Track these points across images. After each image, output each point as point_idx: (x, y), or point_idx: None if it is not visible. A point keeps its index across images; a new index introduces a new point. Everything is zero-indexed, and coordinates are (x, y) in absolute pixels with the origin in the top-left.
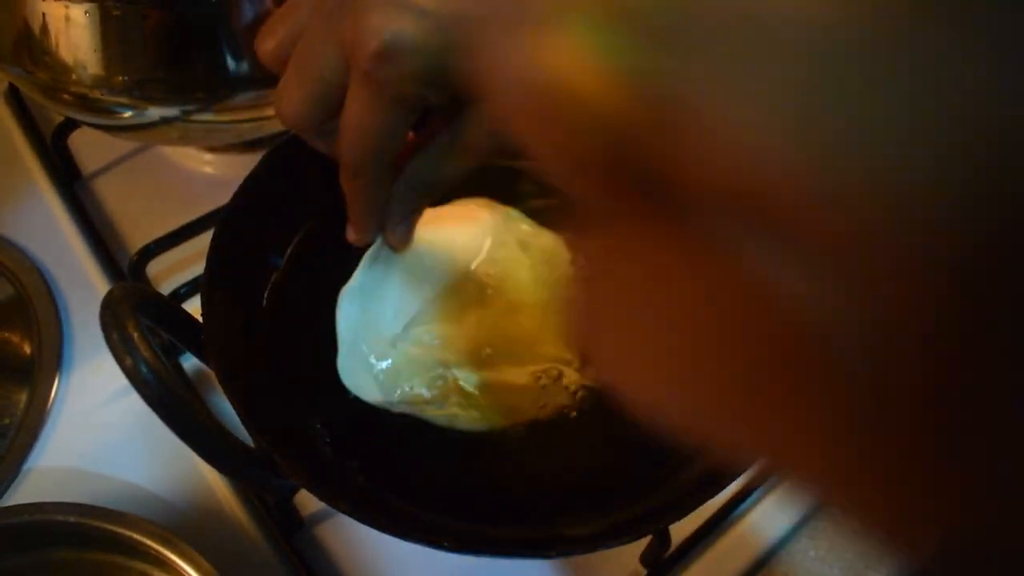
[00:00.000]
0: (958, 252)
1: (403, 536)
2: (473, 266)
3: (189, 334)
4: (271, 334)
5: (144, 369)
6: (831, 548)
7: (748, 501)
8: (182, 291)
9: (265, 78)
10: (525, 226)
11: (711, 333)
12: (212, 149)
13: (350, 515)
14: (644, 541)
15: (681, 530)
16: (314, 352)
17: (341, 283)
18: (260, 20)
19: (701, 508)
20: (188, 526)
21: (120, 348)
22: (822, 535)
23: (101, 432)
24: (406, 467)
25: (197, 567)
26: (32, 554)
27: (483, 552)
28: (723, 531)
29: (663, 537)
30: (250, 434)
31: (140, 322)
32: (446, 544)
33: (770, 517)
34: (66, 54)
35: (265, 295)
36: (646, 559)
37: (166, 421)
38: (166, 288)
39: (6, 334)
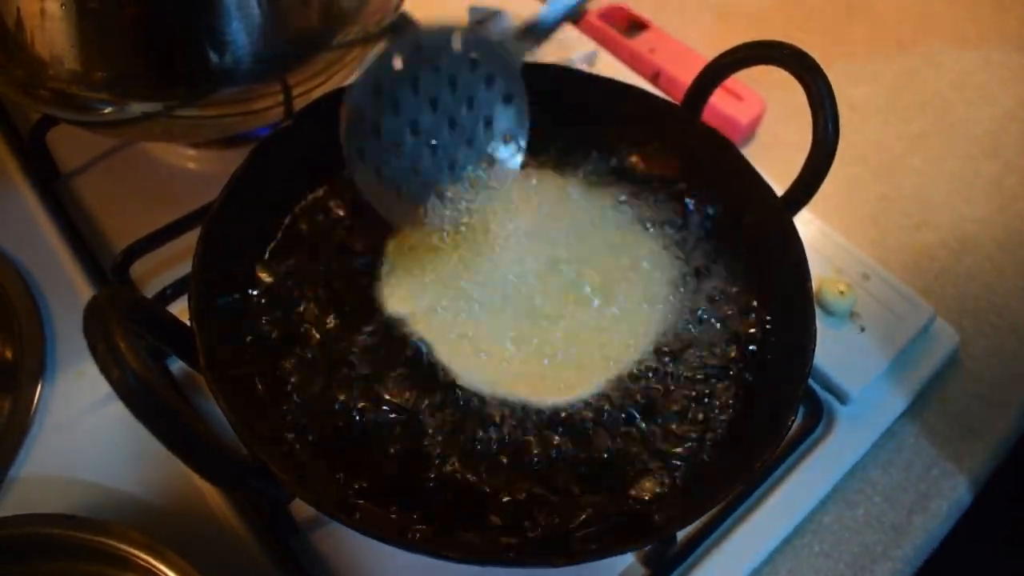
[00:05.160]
0: None
1: (406, 547)
2: None
3: (177, 338)
4: (262, 335)
5: (132, 381)
6: (836, 543)
7: (752, 498)
8: (168, 292)
9: (250, 71)
10: None
11: None
12: (195, 145)
13: (350, 526)
14: None
15: (686, 528)
16: (307, 353)
17: (332, 280)
18: (242, 10)
19: None
20: (178, 534)
21: (107, 359)
22: (827, 531)
23: (87, 438)
24: (403, 472)
25: None
26: (16, 568)
27: (488, 562)
28: (728, 529)
29: (669, 536)
30: (243, 443)
31: (127, 330)
32: (451, 555)
33: (774, 514)
34: (42, 49)
35: (255, 294)
36: (649, 559)
37: (157, 435)
38: (151, 289)
39: None
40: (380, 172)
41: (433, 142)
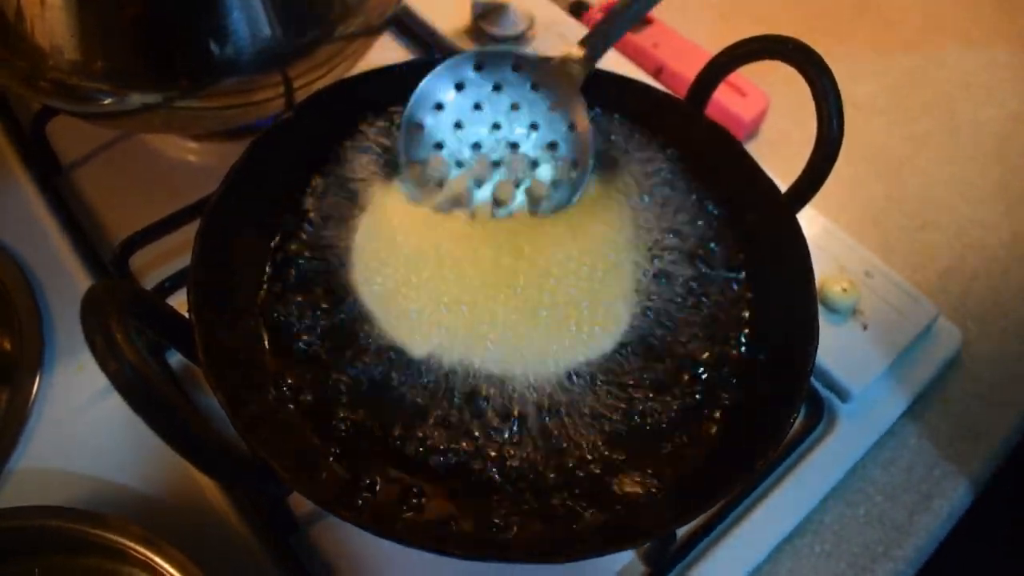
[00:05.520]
0: None
1: (408, 543)
2: None
3: (176, 331)
4: (262, 327)
5: (130, 373)
6: (837, 543)
7: (752, 496)
8: (167, 284)
9: (251, 63)
10: None
11: None
12: (196, 137)
13: (351, 522)
14: None
15: (686, 526)
16: (308, 345)
17: (333, 271)
18: (243, 1)
19: None
20: (176, 528)
21: (104, 352)
22: (827, 530)
23: (85, 431)
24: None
25: (184, 570)
26: (13, 562)
27: (492, 558)
28: (728, 527)
29: (668, 534)
30: (242, 438)
31: (124, 322)
32: (453, 551)
33: (775, 512)
34: (42, 39)
35: (254, 287)
36: (649, 557)
37: (154, 429)
38: (151, 281)
39: None
40: (441, 184)
41: (495, 159)
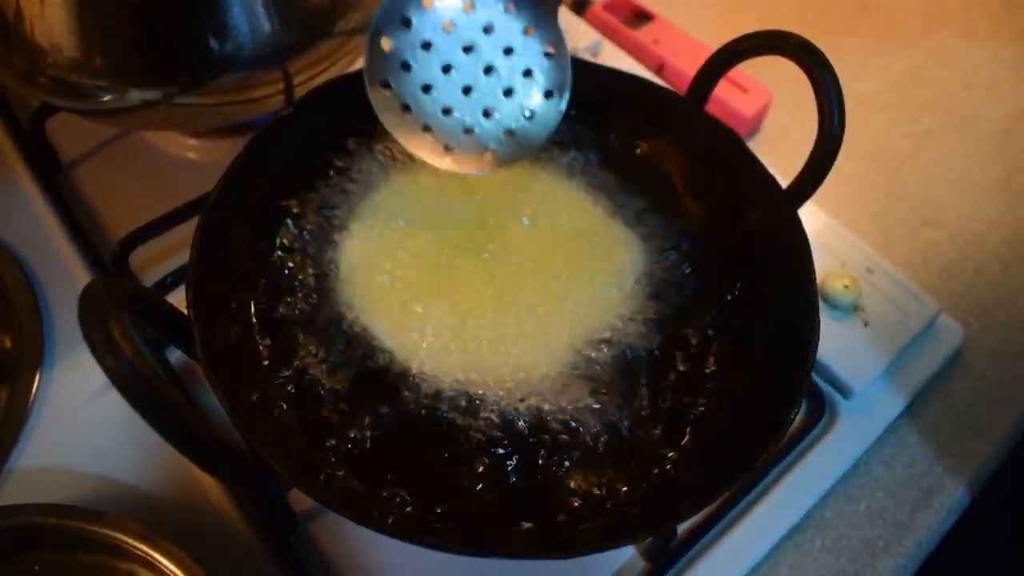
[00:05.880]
0: None
1: (409, 540)
2: None
3: (175, 328)
4: (261, 324)
5: (127, 370)
6: (838, 538)
7: (754, 492)
8: (167, 281)
9: (251, 59)
10: None
11: None
12: (195, 134)
13: (352, 519)
14: None
15: (687, 522)
16: (306, 343)
17: (330, 268)
18: None
19: None
20: (175, 524)
21: (102, 350)
22: (829, 525)
23: (85, 429)
24: (407, 463)
25: (184, 567)
26: (13, 559)
27: (490, 553)
28: (729, 523)
29: (669, 530)
30: (240, 435)
31: (122, 319)
32: (451, 547)
33: (776, 508)
34: (41, 37)
35: (253, 284)
36: (650, 553)
37: (155, 427)
38: (150, 278)
39: None
40: (408, 108)
41: (466, 85)
